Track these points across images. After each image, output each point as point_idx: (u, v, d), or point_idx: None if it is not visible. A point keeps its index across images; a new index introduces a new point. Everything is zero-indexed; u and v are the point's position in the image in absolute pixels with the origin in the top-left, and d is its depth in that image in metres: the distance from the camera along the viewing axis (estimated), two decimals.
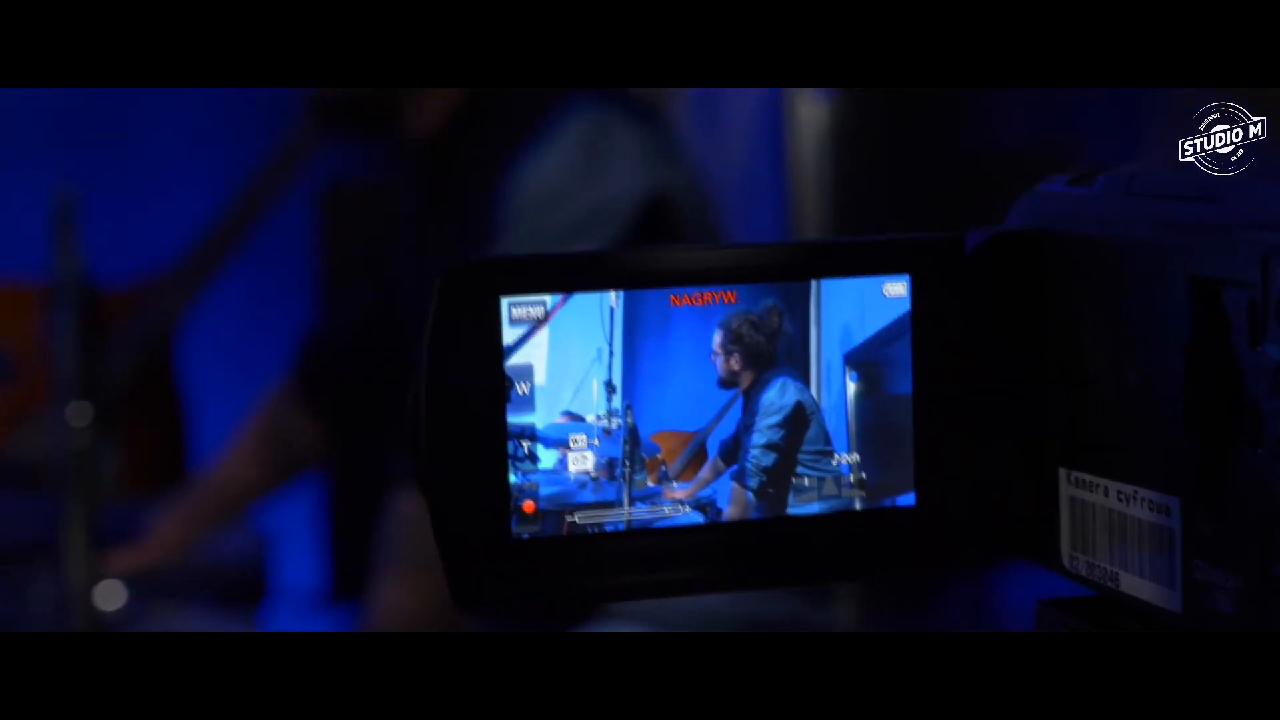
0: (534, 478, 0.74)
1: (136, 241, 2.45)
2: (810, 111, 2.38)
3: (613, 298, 0.75)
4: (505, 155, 1.88)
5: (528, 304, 0.74)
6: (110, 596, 1.96)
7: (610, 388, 0.75)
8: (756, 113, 2.43)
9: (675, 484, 0.76)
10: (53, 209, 1.68)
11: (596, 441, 0.75)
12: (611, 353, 0.75)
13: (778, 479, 0.76)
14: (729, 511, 0.76)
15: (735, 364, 0.75)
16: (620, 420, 0.75)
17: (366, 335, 2.13)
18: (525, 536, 0.74)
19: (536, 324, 0.74)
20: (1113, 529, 0.74)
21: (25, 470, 2.29)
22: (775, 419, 0.76)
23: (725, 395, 0.76)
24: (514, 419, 0.74)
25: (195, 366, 2.62)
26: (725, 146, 2.43)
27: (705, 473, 0.76)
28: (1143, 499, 0.72)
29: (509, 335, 0.74)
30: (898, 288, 0.76)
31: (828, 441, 0.76)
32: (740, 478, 0.76)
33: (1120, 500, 0.73)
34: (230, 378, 2.62)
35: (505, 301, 0.74)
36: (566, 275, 0.74)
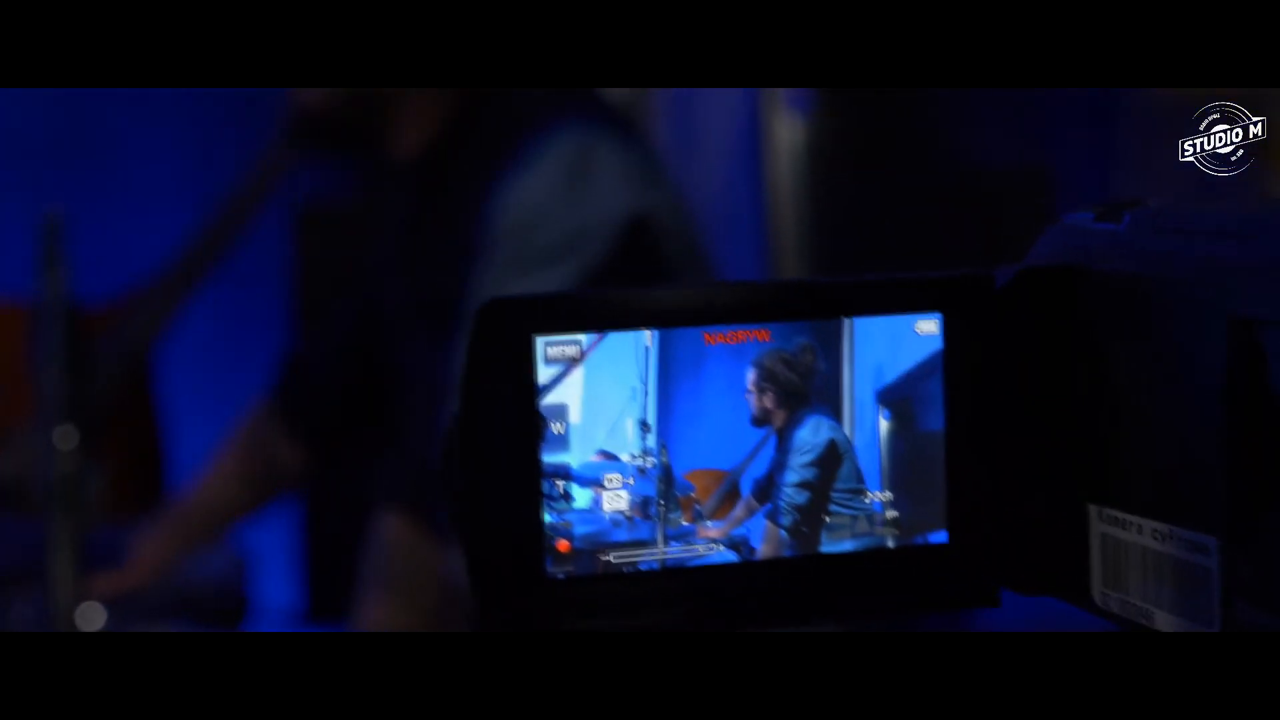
0: (568, 517, 0.74)
1: (112, 261, 2.44)
2: (786, 130, 2.38)
3: (647, 336, 0.74)
4: (488, 177, 1.88)
5: (562, 343, 0.74)
6: (90, 618, 1.95)
7: (645, 426, 0.75)
8: (733, 134, 2.43)
9: (709, 522, 0.76)
10: (39, 231, 1.67)
11: (631, 480, 0.75)
12: (646, 391, 0.75)
13: (811, 517, 0.76)
14: (763, 550, 0.76)
15: (769, 402, 0.75)
16: (655, 459, 0.75)
17: (347, 356, 2.12)
18: (560, 576, 0.74)
19: (571, 363, 0.74)
20: (1147, 567, 0.74)
21: (2, 490, 2.28)
22: (808, 457, 0.76)
23: (758, 433, 0.76)
24: (549, 458, 0.74)
25: (172, 386, 2.61)
26: (703, 168, 2.43)
27: (739, 511, 0.76)
28: (1179, 538, 0.72)
29: (544, 374, 0.74)
30: (929, 325, 0.76)
31: (860, 479, 0.77)
32: (774, 516, 0.76)
33: (1155, 538, 0.74)
34: (207, 397, 2.61)
35: (540, 340, 0.74)
36: (601, 314, 0.74)
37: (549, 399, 0.74)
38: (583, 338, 0.74)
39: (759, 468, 0.76)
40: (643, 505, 0.75)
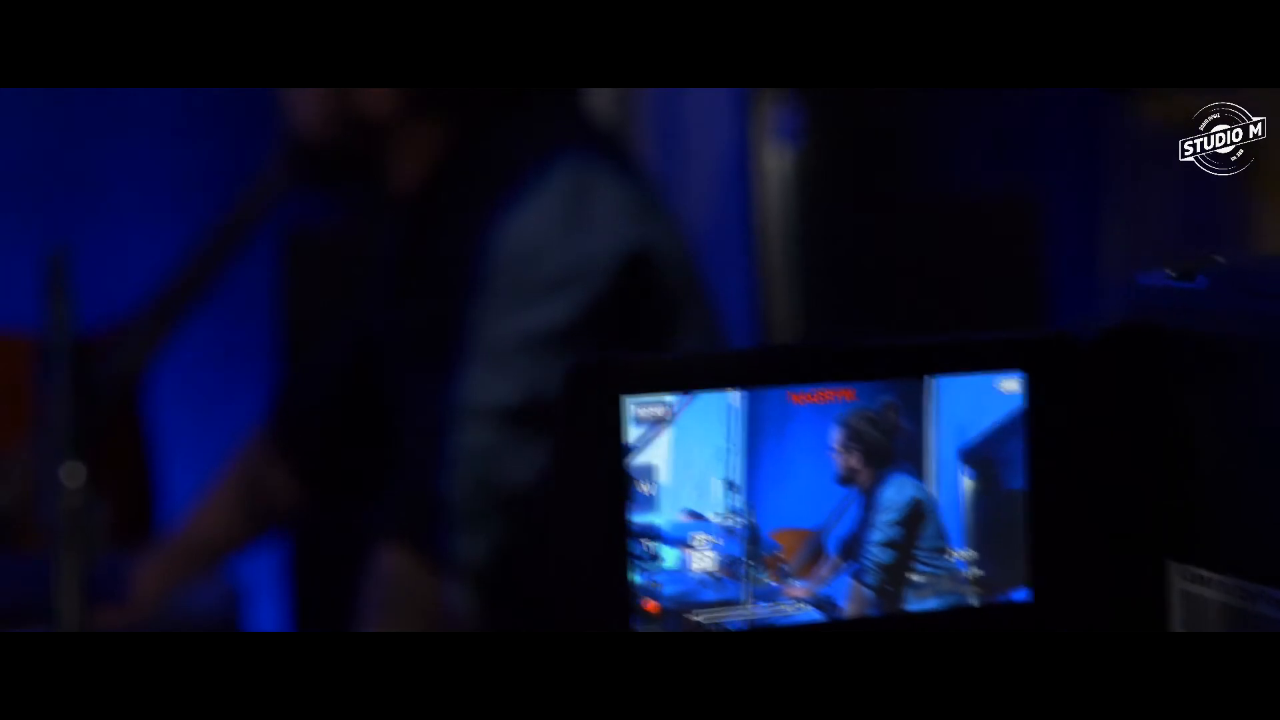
0: (657, 577, 0.74)
1: (98, 290, 2.43)
2: (776, 160, 2.39)
3: (734, 396, 0.75)
4: (486, 209, 1.88)
5: (651, 403, 0.74)
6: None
7: (732, 486, 0.75)
8: (722, 164, 2.44)
9: (795, 582, 0.76)
10: (45, 266, 1.66)
11: (719, 540, 0.75)
12: (733, 451, 0.75)
13: (896, 576, 0.77)
14: (848, 609, 0.76)
15: (854, 461, 0.76)
16: (742, 518, 0.75)
17: (341, 387, 2.12)
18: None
19: (660, 424, 0.74)
20: (1227, 623, 0.75)
21: None
22: (893, 516, 0.76)
23: (844, 492, 0.76)
24: (637, 519, 0.74)
25: (161, 417, 2.60)
26: (691, 199, 2.43)
27: (824, 570, 0.76)
28: (1259, 595, 0.73)
29: (632, 434, 0.74)
30: (1012, 384, 0.77)
31: (944, 538, 0.77)
32: (859, 575, 0.76)
33: (1236, 595, 0.74)
34: (197, 429, 2.60)
35: (629, 401, 0.74)
36: (689, 375, 0.74)
37: (638, 459, 0.74)
38: (671, 398, 0.74)
39: (844, 527, 0.76)
40: (730, 565, 0.75)
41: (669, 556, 0.75)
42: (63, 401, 1.67)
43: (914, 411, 0.76)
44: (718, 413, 0.75)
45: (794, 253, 2.36)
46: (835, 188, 2.41)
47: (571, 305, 1.81)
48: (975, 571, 0.77)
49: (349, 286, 2.19)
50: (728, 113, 2.47)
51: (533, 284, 1.84)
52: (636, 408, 0.74)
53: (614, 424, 0.74)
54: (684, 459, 0.74)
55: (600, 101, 2.38)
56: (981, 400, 0.76)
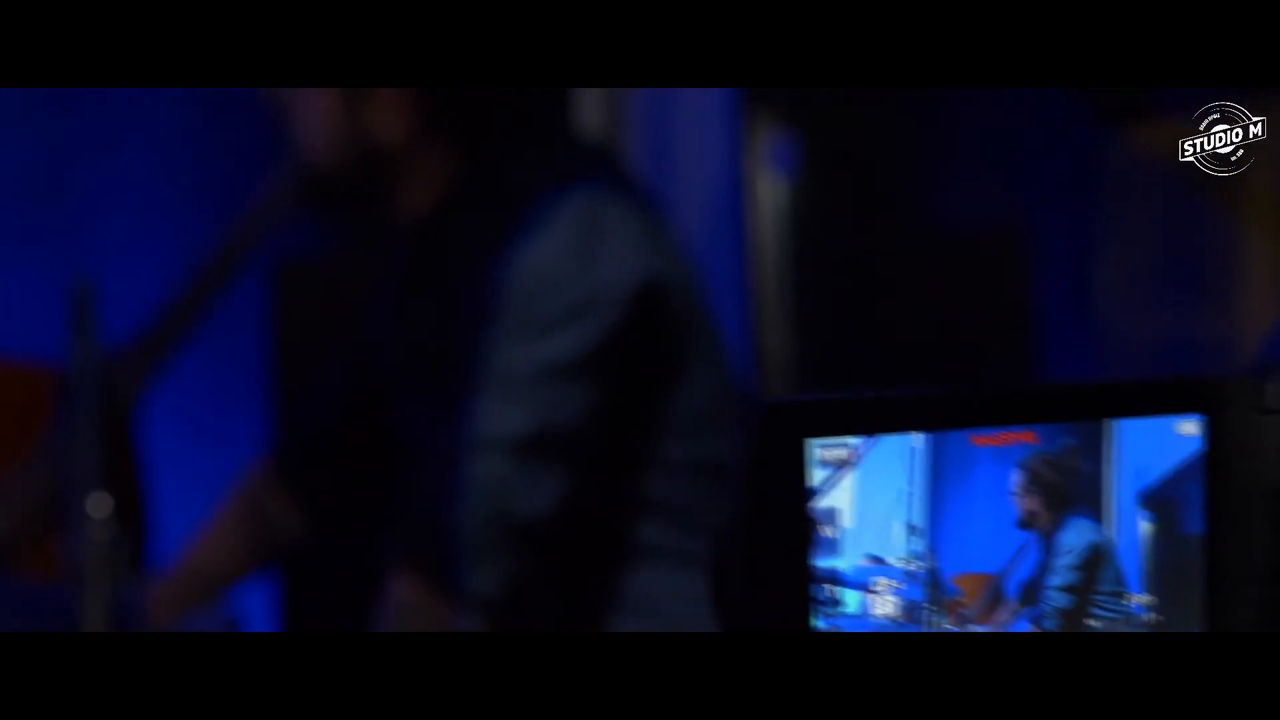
0: (838, 621, 0.73)
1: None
2: (770, 190, 2.39)
3: (916, 439, 0.74)
4: (497, 239, 1.86)
5: (835, 446, 0.73)
6: None
7: (913, 530, 0.74)
8: (715, 194, 2.43)
9: (975, 626, 0.75)
10: (70, 298, 1.63)
11: (900, 584, 0.74)
12: (914, 494, 0.74)
13: (1074, 620, 0.76)
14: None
15: (1034, 505, 0.75)
16: (923, 562, 0.74)
17: (344, 416, 2.09)
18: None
19: (844, 467, 0.73)
20: None
21: None
22: (1072, 560, 0.76)
23: (1023, 536, 0.75)
24: (819, 562, 0.73)
25: (156, 444, 2.56)
26: (684, 228, 2.42)
27: (1004, 615, 0.75)
28: None
29: (816, 477, 0.73)
30: (1191, 427, 0.76)
31: (1122, 582, 0.76)
32: (1038, 619, 0.75)
33: None
34: (193, 457, 2.56)
35: (813, 444, 0.73)
36: (873, 417, 0.73)
37: (821, 502, 0.73)
38: (855, 441, 0.73)
39: (1024, 571, 0.75)
40: (910, 609, 0.74)
41: (850, 601, 0.73)
42: (88, 432, 1.64)
43: (1093, 454, 0.75)
44: (900, 455, 0.74)
45: (788, 280, 2.36)
46: (828, 216, 2.41)
47: (585, 335, 1.80)
48: (1153, 616, 0.76)
49: (348, 314, 2.17)
50: (722, 142, 2.47)
51: (546, 314, 1.83)
52: (821, 450, 0.72)
53: (798, 467, 0.72)
54: (866, 502, 0.73)
55: (593, 130, 2.37)
56: (1161, 443, 0.76)
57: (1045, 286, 2.34)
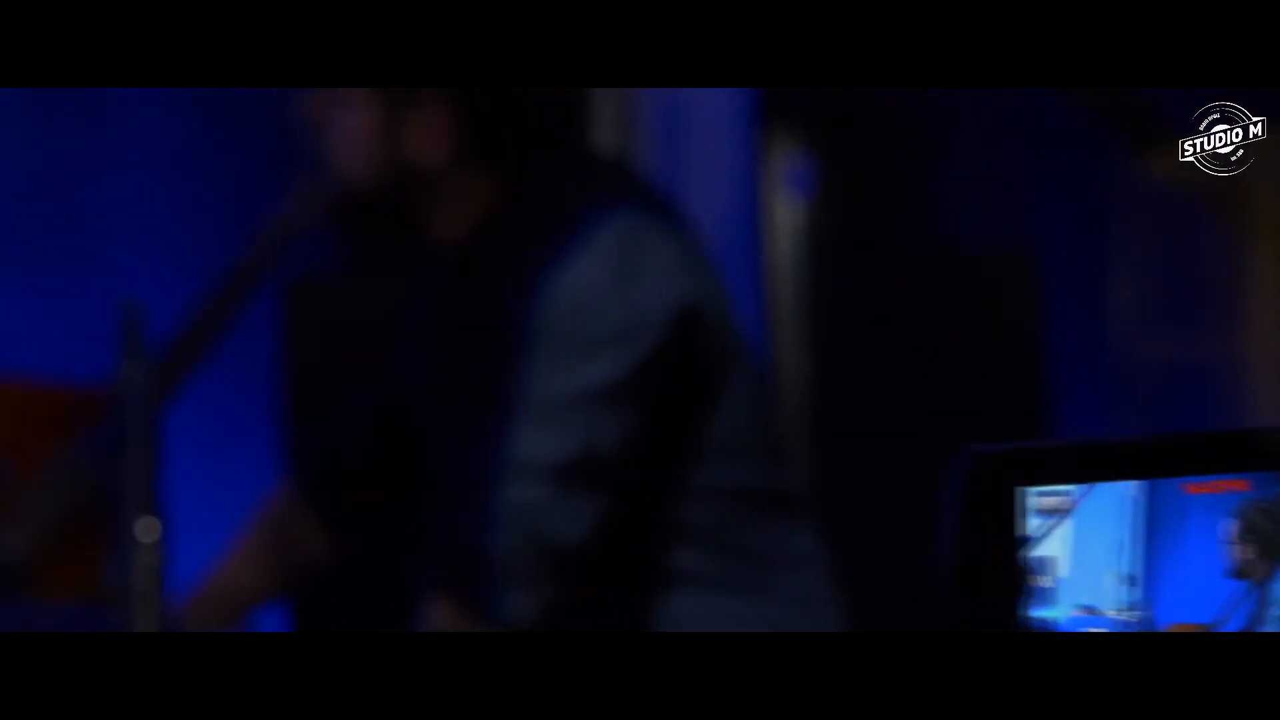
0: None
1: (104, 337, 2.35)
2: (787, 213, 2.38)
3: (1132, 487, 0.72)
4: (534, 262, 1.84)
5: (1052, 494, 0.71)
6: None
7: (1130, 580, 0.72)
8: (731, 216, 2.42)
9: None
10: (119, 320, 1.60)
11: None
12: (1131, 544, 0.72)
13: None
14: None
15: (1249, 554, 0.73)
16: (1139, 613, 0.72)
17: (375, 440, 2.07)
18: None
19: (1060, 514, 0.71)
20: None
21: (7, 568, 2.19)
22: None
23: (1237, 586, 0.73)
24: (1032, 612, 0.71)
25: (173, 466, 2.53)
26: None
27: None
28: None
29: (1031, 525, 0.71)
30: None
31: None
32: None
33: None
34: (206, 479, 2.53)
35: (1029, 492, 0.71)
36: (1088, 465, 0.71)
37: (1036, 551, 0.71)
38: (1071, 488, 0.71)
39: (1238, 622, 0.73)
40: None
41: None
42: (140, 456, 1.62)
43: None
44: (1116, 504, 0.71)
45: (802, 305, 2.36)
46: (842, 240, 2.41)
47: (624, 360, 1.78)
48: None
49: (376, 334, 2.14)
50: (738, 165, 2.46)
51: (585, 339, 1.81)
52: (1037, 498, 0.70)
53: (1009, 515, 0.70)
54: (1083, 551, 0.71)
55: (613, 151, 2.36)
56: None
57: (1058, 309, 2.34)
